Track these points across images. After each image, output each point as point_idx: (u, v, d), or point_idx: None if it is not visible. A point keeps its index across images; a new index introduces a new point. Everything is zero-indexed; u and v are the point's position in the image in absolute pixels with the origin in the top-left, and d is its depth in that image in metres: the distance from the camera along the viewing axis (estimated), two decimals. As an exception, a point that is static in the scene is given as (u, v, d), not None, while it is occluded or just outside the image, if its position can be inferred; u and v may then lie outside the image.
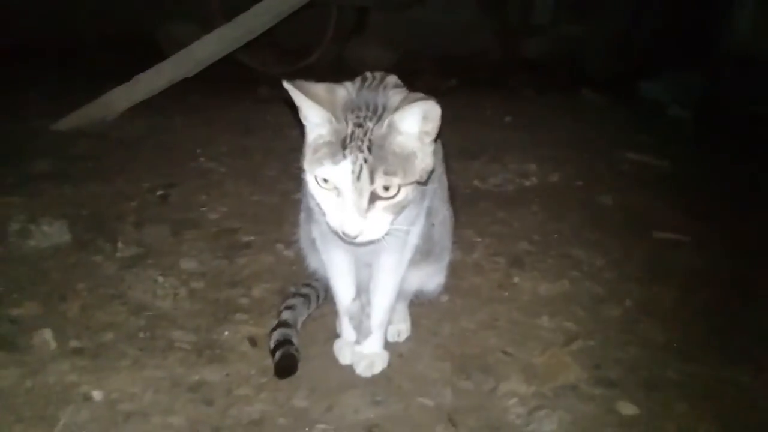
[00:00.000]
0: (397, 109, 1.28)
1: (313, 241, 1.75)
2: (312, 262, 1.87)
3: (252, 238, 2.36)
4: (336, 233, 1.35)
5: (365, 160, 1.26)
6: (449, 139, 1.62)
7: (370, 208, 1.29)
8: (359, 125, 1.28)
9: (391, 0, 5.44)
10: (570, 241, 2.43)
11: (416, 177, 1.32)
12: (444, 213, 1.74)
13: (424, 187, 1.44)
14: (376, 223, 1.31)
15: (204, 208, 2.57)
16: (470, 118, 3.90)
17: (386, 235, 1.38)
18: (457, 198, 1.92)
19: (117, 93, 3.68)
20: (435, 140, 1.37)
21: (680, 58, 4.88)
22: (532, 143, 3.53)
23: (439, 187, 1.65)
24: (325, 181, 1.29)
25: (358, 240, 1.32)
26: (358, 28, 5.60)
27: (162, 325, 1.84)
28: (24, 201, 2.47)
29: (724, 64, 4.73)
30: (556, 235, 2.47)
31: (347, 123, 1.29)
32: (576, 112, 4.31)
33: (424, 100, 1.27)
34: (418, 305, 1.92)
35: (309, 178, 1.33)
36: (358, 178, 1.26)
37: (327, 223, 1.36)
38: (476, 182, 3.00)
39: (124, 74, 3.76)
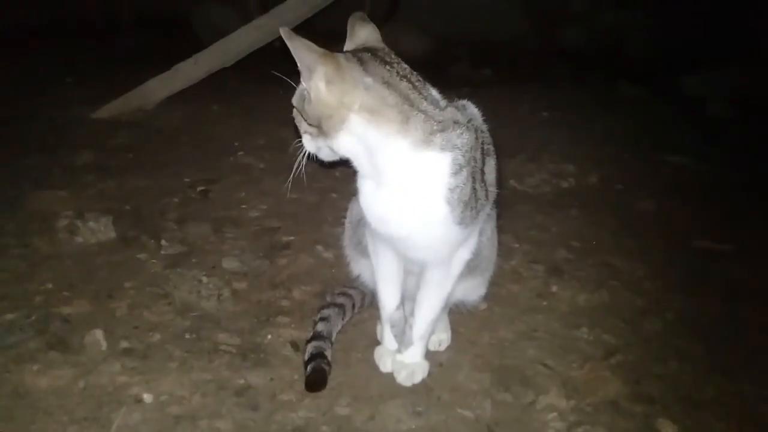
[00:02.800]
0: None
1: (358, 246, 1.79)
2: (356, 268, 1.90)
3: (291, 238, 2.39)
4: None
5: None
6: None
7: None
8: None
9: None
10: (609, 248, 2.43)
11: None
12: (491, 227, 1.75)
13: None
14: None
15: (244, 206, 2.61)
16: (506, 113, 3.86)
17: (430, 238, 1.50)
18: (497, 199, 1.92)
19: (155, 82, 3.73)
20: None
21: (722, 53, 4.78)
22: (569, 141, 3.51)
23: (492, 208, 1.66)
24: None
25: None
26: (391, 13, 5.58)
27: (207, 326, 1.89)
28: (70, 195, 2.53)
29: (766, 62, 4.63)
30: (594, 242, 2.46)
31: None
32: (614, 106, 4.25)
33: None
34: (457, 313, 1.94)
35: None
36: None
37: None
38: (513, 182, 3.00)
39: (159, 57, 3.83)
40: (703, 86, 4.66)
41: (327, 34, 4.81)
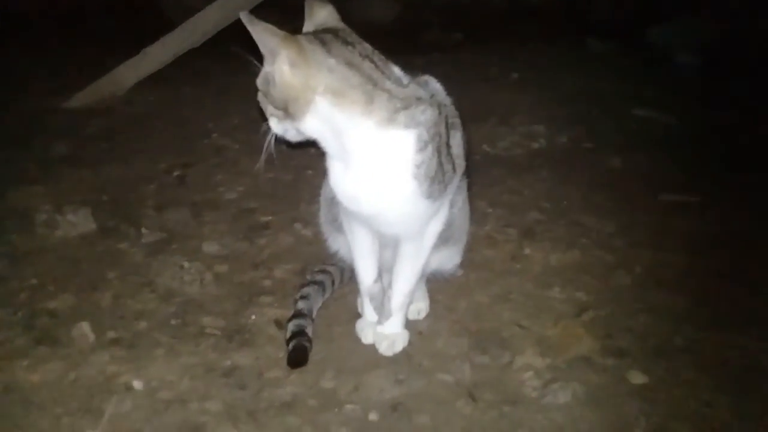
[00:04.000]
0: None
1: (333, 222, 1.83)
2: (333, 244, 1.95)
3: (270, 218, 2.43)
4: None
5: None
6: (457, 101, 1.64)
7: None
8: None
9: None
10: (579, 207, 2.49)
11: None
12: (462, 197, 1.79)
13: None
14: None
15: (221, 188, 2.64)
16: (477, 77, 3.91)
17: (400, 214, 1.55)
18: (470, 166, 1.96)
19: (125, 68, 3.71)
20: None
21: (688, 2, 4.80)
22: (539, 102, 3.55)
23: (461, 179, 1.70)
24: None
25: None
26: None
27: (191, 311, 1.93)
28: (47, 189, 2.55)
29: (732, 7, 4.65)
30: (565, 202, 2.52)
31: None
32: (583, 63, 4.29)
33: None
34: (434, 281, 1.99)
35: None
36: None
37: None
38: (486, 147, 3.04)
39: (129, 43, 3.78)
40: (670, 36, 4.68)
41: (298, 9, 4.76)
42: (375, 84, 1.43)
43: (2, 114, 3.38)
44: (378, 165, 1.47)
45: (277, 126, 1.50)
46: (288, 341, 1.74)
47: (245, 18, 1.36)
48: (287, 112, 1.44)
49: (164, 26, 3.89)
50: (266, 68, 1.43)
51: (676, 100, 3.61)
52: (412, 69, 1.54)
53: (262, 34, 1.37)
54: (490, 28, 5.22)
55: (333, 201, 1.75)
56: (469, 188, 1.88)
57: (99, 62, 3.74)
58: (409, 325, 1.84)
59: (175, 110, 3.50)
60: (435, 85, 1.57)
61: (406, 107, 1.44)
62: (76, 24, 5.13)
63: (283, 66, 1.39)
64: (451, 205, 1.70)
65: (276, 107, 1.46)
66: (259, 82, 1.47)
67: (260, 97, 1.50)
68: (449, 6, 5.65)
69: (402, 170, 1.47)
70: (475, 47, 4.65)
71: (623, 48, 4.53)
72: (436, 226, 1.67)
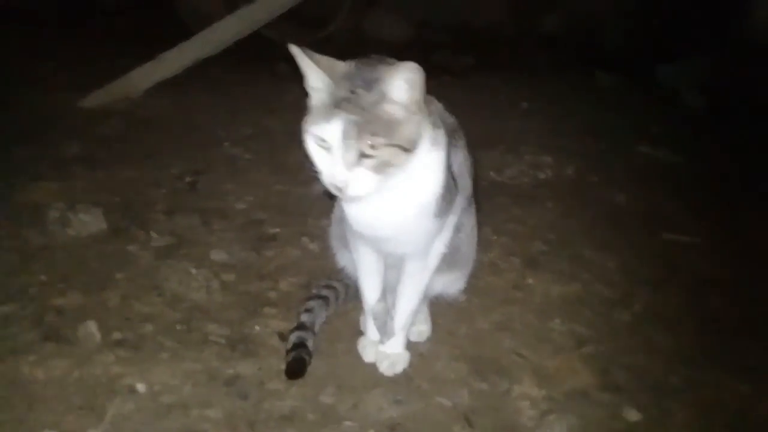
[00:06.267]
0: (384, 77, 1.38)
1: (342, 239, 1.87)
2: (341, 260, 1.98)
3: (278, 230, 2.46)
4: (328, 188, 1.44)
5: (355, 122, 1.35)
6: (467, 127, 1.70)
7: (357, 164, 1.38)
8: (353, 92, 1.39)
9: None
10: (583, 240, 2.52)
11: (401, 142, 1.40)
12: (471, 224, 1.83)
13: (449, 198, 1.58)
14: (362, 178, 1.40)
15: (231, 197, 2.67)
16: (487, 104, 3.97)
17: (411, 234, 1.57)
18: (477, 192, 2.00)
19: (141, 71, 3.76)
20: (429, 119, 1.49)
21: (697, 42, 4.86)
22: (548, 132, 3.59)
23: (467, 203, 1.74)
24: (322, 140, 1.39)
25: (348, 193, 1.41)
26: (372, 1, 5.61)
27: (197, 317, 1.96)
28: (60, 187, 2.58)
29: (740, 52, 4.71)
30: (569, 235, 2.56)
31: (343, 89, 1.39)
32: (592, 95, 4.35)
33: (406, 64, 1.36)
34: (437, 304, 2.03)
35: (307, 138, 1.43)
36: (347, 135, 1.35)
37: (322, 181, 1.45)
38: (492, 174, 3.08)
39: (143, 43, 3.85)
40: (677, 75, 4.74)
41: (314, 22, 4.80)
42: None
43: (17, 110, 3.40)
44: (404, 189, 1.50)
45: (370, 181, 1.41)
46: (288, 352, 1.77)
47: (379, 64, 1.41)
48: (405, 150, 1.41)
49: (180, 32, 3.96)
50: (389, 106, 1.38)
51: (682, 139, 3.66)
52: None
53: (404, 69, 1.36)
54: (501, 54, 5.30)
55: (342, 219, 1.79)
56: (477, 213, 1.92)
57: (114, 63, 3.77)
58: (410, 346, 1.87)
59: (189, 117, 3.54)
60: (438, 104, 1.62)
61: (433, 130, 1.49)
62: (91, 24, 5.19)
63: (413, 92, 1.39)
64: (458, 230, 1.74)
65: (400, 144, 1.40)
66: (377, 127, 1.37)
67: (356, 150, 1.37)
68: (461, 29, 5.72)
69: (427, 192, 1.52)
70: (486, 72, 4.70)
71: (631, 83, 4.59)
72: (440, 246, 1.70)
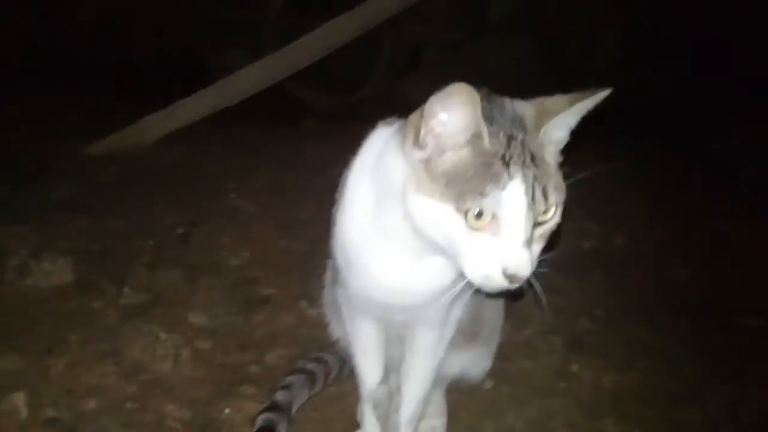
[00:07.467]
0: (547, 114, 1.07)
1: (334, 305, 1.48)
2: (336, 330, 1.61)
3: (273, 291, 2.11)
4: (483, 284, 1.03)
5: (535, 177, 1.00)
6: None
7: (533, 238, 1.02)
8: (511, 137, 1.01)
9: (445, 38, 5.23)
10: (637, 320, 2.11)
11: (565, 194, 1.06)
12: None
13: None
14: (535, 255, 1.04)
15: (225, 252, 2.35)
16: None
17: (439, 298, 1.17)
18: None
19: (154, 118, 3.55)
20: None
21: (753, 113, 4.52)
22: (592, 200, 3.20)
23: None
24: (479, 216, 0.99)
25: (521, 279, 1.00)
26: (412, 65, 5.41)
27: (155, 393, 1.59)
28: (30, 231, 2.30)
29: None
30: (621, 313, 2.14)
31: (497, 136, 1.01)
32: (639, 166, 3.96)
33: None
34: (456, 392, 1.62)
35: (453, 220, 1.00)
36: (533, 198, 0.99)
37: (469, 279, 1.03)
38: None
39: (170, 97, 3.63)
40: (737, 149, 4.38)
41: (341, 80, 4.52)
42: None
43: (19, 153, 3.19)
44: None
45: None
46: (251, 438, 1.38)
47: None
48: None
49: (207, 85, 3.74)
50: (552, 149, 1.11)
51: (746, 214, 3.22)
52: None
53: None
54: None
55: (334, 281, 1.42)
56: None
57: (135, 113, 3.56)
58: (419, 447, 1.45)
59: (198, 167, 3.27)
60: None
61: None
62: (126, 77, 5.05)
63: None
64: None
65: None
66: (552, 181, 1.06)
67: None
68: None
69: None
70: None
71: (685, 156, 4.20)
72: (458, 311, 1.35)
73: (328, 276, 1.56)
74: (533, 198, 0.99)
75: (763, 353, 2.00)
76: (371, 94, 5.00)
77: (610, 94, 1.11)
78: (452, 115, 1.00)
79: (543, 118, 1.07)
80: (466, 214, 0.98)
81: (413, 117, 1.08)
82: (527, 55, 5.63)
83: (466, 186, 0.99)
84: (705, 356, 1.94)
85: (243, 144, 3.69)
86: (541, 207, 1.01)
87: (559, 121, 1.08)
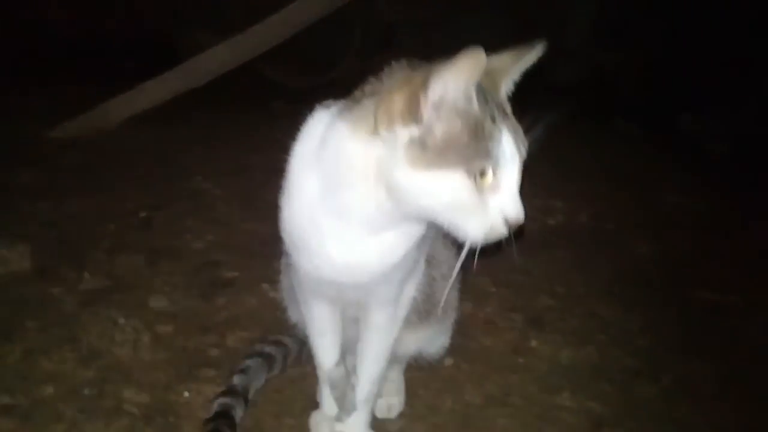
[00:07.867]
0: (500, 72, 1.14)
1: (292, 289, 1.49)
2: (293, 314, 1.61)
3: (236, 274, 2.10)
4: (485, 239, 1.06)
5: (515, 131, 1.08)
6: None
7: None
8: (485, 97, 1.06)
9: (419, 17, 5.20)
10: (598, 296, 2.14)
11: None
12: (449, 264, 1.44)
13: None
14: None
15: (188, 236, 2.33)
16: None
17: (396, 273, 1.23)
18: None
19: (118, 101, 3.48)
20: None
21: (722, 92, 4.57)
22: (558, 177, 3.22)
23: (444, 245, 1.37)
24: (481, 176, 1.02)
25: (520, 222, 1.07)
26: (385, 43, 5.38)
27: (113, 378, 1.58)
28: (-13, 217, 2.24)
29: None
30: (582, 289, 2.16)
31: (479, 99, 1.04)
32: (607, 143, 4.00)
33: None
34: (416, 369, 1.64)
35: (462, 185, 1.02)
36: (518, 150, 1.07)
37: (473, 239, 1.05)
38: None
39: (139, 82, 3.56)
40: (704, 125, 4.44)
41: (313, 59, 4.44)
42: None
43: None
44: None
45: None
46: (206, 422, 1.38)
47: None
48: None
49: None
50: None
51: (708, 188, 3.28)
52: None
53: None
54: (513, 100, 4.98)
55: (288, 266, 1.42)
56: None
57: (101, 96, 3.49)
58: (377, 425, 1.47)
59: (163, 150, 3.22)
60: None
61: None
62: (92, 60, 4.95)
63: None
64: (429, 265, 1.38)
65: None
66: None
67: None
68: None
69: None
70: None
71: (651, 131, 4.24)
72: (411, 289, 1.36)
73: (283, 261, 1.55)
74: (518, 150, 1.06)
75: (718, 327, 2.05)
76: (344, 73, 4.96)
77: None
78: (458, 82, 1.01)
79: (498, 76, 1.13)
80: (475, 177, 1.01)
81: (384, 100, 1.05)
82: (501, 34, 5.63)
83: (467, 150, 1.02)
84: (662, 330, 1.99)
85: (210, 126, 3.64)
86: (524, 156, 1.08)
87: (511, 77, 1.16)
